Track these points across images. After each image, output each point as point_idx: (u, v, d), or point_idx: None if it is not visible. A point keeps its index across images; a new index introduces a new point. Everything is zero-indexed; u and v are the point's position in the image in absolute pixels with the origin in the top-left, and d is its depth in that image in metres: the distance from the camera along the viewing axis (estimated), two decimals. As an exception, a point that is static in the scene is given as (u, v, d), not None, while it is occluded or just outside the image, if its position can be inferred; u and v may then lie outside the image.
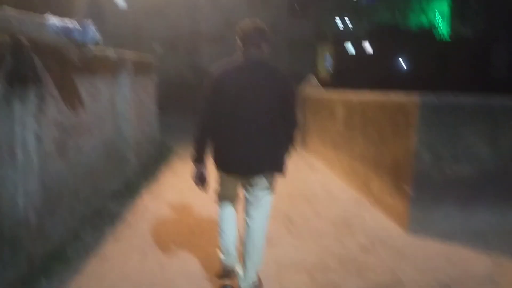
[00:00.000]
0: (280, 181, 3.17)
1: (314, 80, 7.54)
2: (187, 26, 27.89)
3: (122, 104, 5.56)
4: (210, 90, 2.80)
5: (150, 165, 7.36)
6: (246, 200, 3.01)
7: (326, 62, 37.29)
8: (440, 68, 32.48)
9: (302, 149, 8.14)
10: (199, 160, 2.93)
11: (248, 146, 2.78)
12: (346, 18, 44.42)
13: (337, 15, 43.57)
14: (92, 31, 4.11)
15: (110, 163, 5.36)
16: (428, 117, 4.34)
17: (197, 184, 3.00)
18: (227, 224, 3.00)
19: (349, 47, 36.26)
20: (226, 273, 3.08)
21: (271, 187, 2.95)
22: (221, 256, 3.10)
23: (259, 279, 3.05)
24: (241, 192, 3.05)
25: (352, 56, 35.24)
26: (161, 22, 28.66)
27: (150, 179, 6.69)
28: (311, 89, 7.57)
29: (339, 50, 35.63)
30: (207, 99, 2.82)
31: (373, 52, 35.30)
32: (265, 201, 2.93)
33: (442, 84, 24.50)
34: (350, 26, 44.40)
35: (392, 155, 4.82)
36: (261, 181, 2.86)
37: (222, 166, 2.90)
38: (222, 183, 3.04)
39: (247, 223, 2.97)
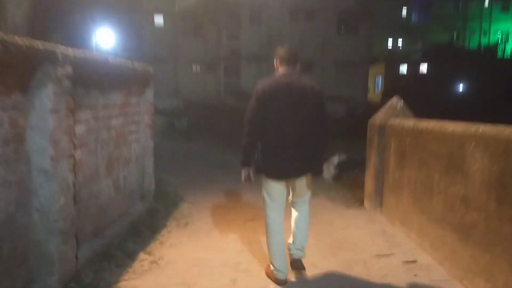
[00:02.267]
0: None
1: (400, 105, 4.85)
2: (227, 45, 25.90)
3: (35, 145, 2.79)
4: (256, 102, 3.13)
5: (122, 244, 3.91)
6: (294, 193, 3.37)
7: (377, 84, 34.49)
8: (505, 90, 28.87)
9: (374, 207, 5.14)
10: (247, 164, 3.24)
11: (292, 152, 3.15)
12: (399, 39, 41.63)
13: (389, 35, 40.84)
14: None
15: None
16: None
17: (245, 182, 3.29)
18: (277, 224, 3.24)
19: (402, 68, 33.40)
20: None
21: (311, 181, 3.39)
22: (275, 266, 3.20)
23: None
24: (286, 192, 3.32)
25: (405, 76, 32.35)
26: (199, 41, 26.98)
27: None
28: (396, 117, 4.88)
29: (391, 71, 32.93)
30: (253, 110, 3.14)
31: (429, 73, 32.32)
32: (309, 192, 3.43)
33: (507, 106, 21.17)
34: (401, 46, 41.48)
35: None
36: (306, 179, 3.30)
37: (271, 172, 3.21)
38: (268, 187, 3.27)
39: (296, 208, 3.41)
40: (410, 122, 4.41)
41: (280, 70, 3.26)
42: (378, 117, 5.23)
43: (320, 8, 25.90)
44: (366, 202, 5.47)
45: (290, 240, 3.37)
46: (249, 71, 25.47)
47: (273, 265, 3.21)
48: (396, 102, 5.09)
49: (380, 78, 33.93)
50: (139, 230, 4.25)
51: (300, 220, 3.37)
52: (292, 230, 3.38)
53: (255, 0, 25.00)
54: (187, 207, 5.34)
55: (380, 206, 5.19)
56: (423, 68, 33.36)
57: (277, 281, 3.17)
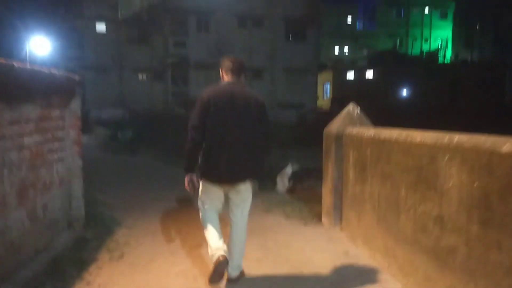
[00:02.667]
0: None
1: (356, 112, 4.47)
2: (174, 53, 25.10)
3: None
4: (200, 108, 3.18)
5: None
6: (232, 203, 3.35)
7: (325, 90, 34.86)
8: (448, 93, 30.07)
9: (333, 224, 4.73)
10: (191, 169, 3.29)
11: (232, 158, 3.18)
12: (345, 46, 42.43)
13: (336, 43, 41.52)
14: None
15: None
16: None
17: (189, 189, 3.31)
18: (212, 222, 3.30)
19: (349, 75, 33.94)
20: (219, 273, 3.12)
21: (251, 191, 3.39)
22: (212, 250, 3.19)
23: (242, 269, 3.43)
24: (223, 197, 3.36)
25: (352, 83, 32.88)
26: (145, 49, 26.04)
27: None
28: (354, 126, 4.49)
29: (339, 78, 33.38)
30: (197, 116, 3.18)
31: (375, 79, 33.06)
32: (248, 202, 3.39)
33: (451, 110, 21.92)
34: (348, 53, 42.33)
35: None
36: (244, 187, 3.29)
37: (210, 176, 3.24)
38: (206, 191, 3.33)
39: (232, 220, 3.37)
40: (371, 131, 4.00)
41: (225, 79, 3.33)
42: (335, 126, 4.80)
43: (267, 15, 25.78)
44: (324, 219, 5.02)
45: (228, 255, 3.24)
46: (197, 79, 24.82)
47: (211, 248, 3.21)
48: (352, 109, 4.68)
49: (329, 84, 34.32)
50: (62, 268, 3.52)
51: (236, 235, 3.35)
52: (228, 247, 3.31)
53: (202, 6, 24.45)
54: (123, 234, 4.60)
55: (340, 222, 4.76)
56: (369, 74, 34.08)
57: (218, 262, 3.10)
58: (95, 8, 25.56)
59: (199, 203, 3.39)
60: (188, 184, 3.28)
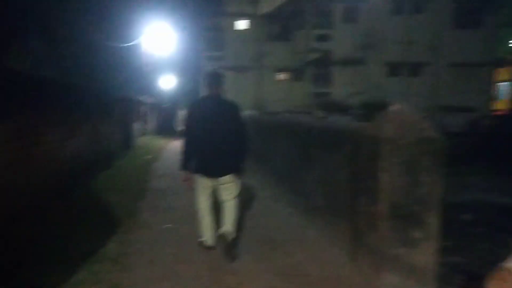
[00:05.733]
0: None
1: None
2: (318, 49, 22.35)
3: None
4: (188, 118, 3.97)
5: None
6: (220, 192, 3.99)
7: (500, 90, 28.31)
8: None
9: None
10: (186, 167, 3.95)
11: (216, 156, 3.86)
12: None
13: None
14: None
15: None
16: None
17: (185, 182, 3.99)
18: (206, 210, 4.00)
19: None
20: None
21: (235, 181, 3.99)
22: (203, 238, 4.02)
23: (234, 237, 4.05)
24: (212, 188, 4.01)
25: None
26: (285, 47, 23.88)
27: None
28: None
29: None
30: (187, 125, 3.97)
31: None
32: (233, 189, 3.98)
33: None
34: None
35: None
36: (228, 179, 3.92)
37: (201, 171, 3.92)
38: (200, 182, 3.99)
39: (224, 203, 4.02)
40: None
41: (207, 91, 3.98)
42: None
43: (431, -3, 21.22)
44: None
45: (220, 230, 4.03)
46: (342, 78, 21.65)
47: (204, 235, 4.01)
48: None
49: (506, 83, 27.70)
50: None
51: (228, 210, 4.00)
52: (222, 219, 4.02)
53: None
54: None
55: None
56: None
57: (206, 246, 3.99)
58: (236, 5, 24.26)
59: (196, 189, 4.02)
60: (184, 179, 3.96)
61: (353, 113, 20.73)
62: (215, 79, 3.96)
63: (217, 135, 3.82)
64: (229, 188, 3.94)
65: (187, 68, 26.77)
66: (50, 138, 5.32)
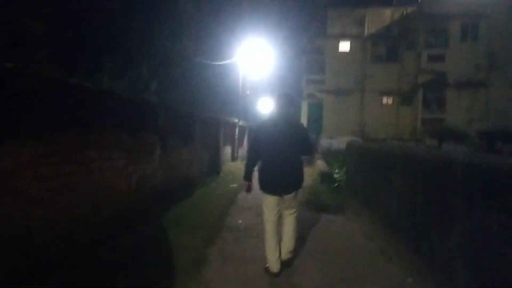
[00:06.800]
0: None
1: None
2: (427, 70, 20.25)
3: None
4: (254, 135, 4.18)
5: None
6: (281, 206, 4.12)
7: None
8: None
9: None
10: (248, 179, 4.26)
11: (281, 175, 3.97)
12: None
13: None
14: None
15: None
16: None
17: (246, 191, 4.36)
18: (272, 228, 4.04)
19: None
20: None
21: (296, 195, 4.18)
22: (268, 258, 3.98)
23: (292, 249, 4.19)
24: (278, 203, 4.11)
25: None
26: (392, 69, 22.08)
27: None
28: None
29: None
30: (252, 141, 4.18)
31: None
32: (295, 203, 4.16)
33: None
34: None
35: None
36: (292, 196, 4.09)
37: (266, 189, 4.08)
38: (266, 199, 4.11)
39: (285, 220, 4.16)
40: None
41: (277, 111, 4.16)
42: None
43: None
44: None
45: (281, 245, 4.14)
46: (458, 102, 19.25)
47: (268, 259, 3.98)
48: None
49: None
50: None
51: (286, 229, 4.14)
52: (281, 235, 4.14)
53: (470, 9, 18.91)
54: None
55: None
56: None
57: (270, 272, 3.91)
58: (340, 26, 23.16)
59: (263, 205, 4.14)
60: (247, 188, 4.31)
61: (472, 142, 18.16)
62: (286, 100, 4.14)
63: (285, 155, 3.96)
64: (291, 203, 4.12)
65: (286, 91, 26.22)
66: (108, 164, 4.65)
